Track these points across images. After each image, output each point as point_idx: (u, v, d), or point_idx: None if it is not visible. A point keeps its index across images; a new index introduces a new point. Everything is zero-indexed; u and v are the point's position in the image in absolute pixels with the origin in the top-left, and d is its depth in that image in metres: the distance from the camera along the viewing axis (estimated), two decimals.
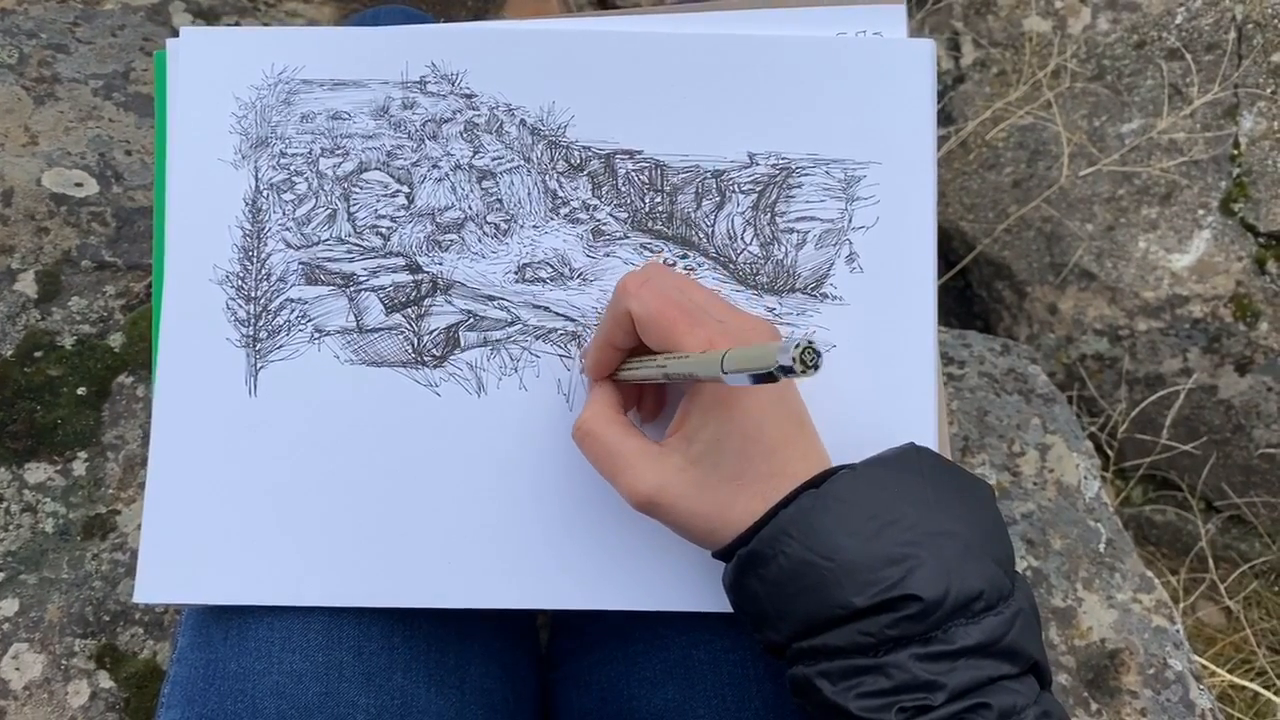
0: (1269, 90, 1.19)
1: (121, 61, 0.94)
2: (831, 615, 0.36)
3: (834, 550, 0.36)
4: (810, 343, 0.31)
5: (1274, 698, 1.09)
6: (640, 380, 0.43)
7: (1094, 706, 0.78)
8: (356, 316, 0.48)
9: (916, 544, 0.36)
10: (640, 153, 0.49)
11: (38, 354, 0.75)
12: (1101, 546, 0.86)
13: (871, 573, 0.36)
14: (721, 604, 0.48)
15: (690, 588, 0.48)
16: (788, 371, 0.31)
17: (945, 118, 1.35)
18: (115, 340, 0.78)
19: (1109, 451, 1.24)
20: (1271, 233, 1.16)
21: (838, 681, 0.36)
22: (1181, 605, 1.17)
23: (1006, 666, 0.36)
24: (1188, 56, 1.22)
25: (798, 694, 0.39)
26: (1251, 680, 1.12)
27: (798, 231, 0.49)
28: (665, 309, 0.40)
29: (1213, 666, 1.10)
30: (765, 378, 0.33)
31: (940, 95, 1.35)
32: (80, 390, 0.75)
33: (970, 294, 1.38)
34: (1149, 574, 0.85)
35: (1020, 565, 0.84)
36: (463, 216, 0.49)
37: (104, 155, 0.85)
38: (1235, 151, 1.19)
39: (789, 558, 0.37)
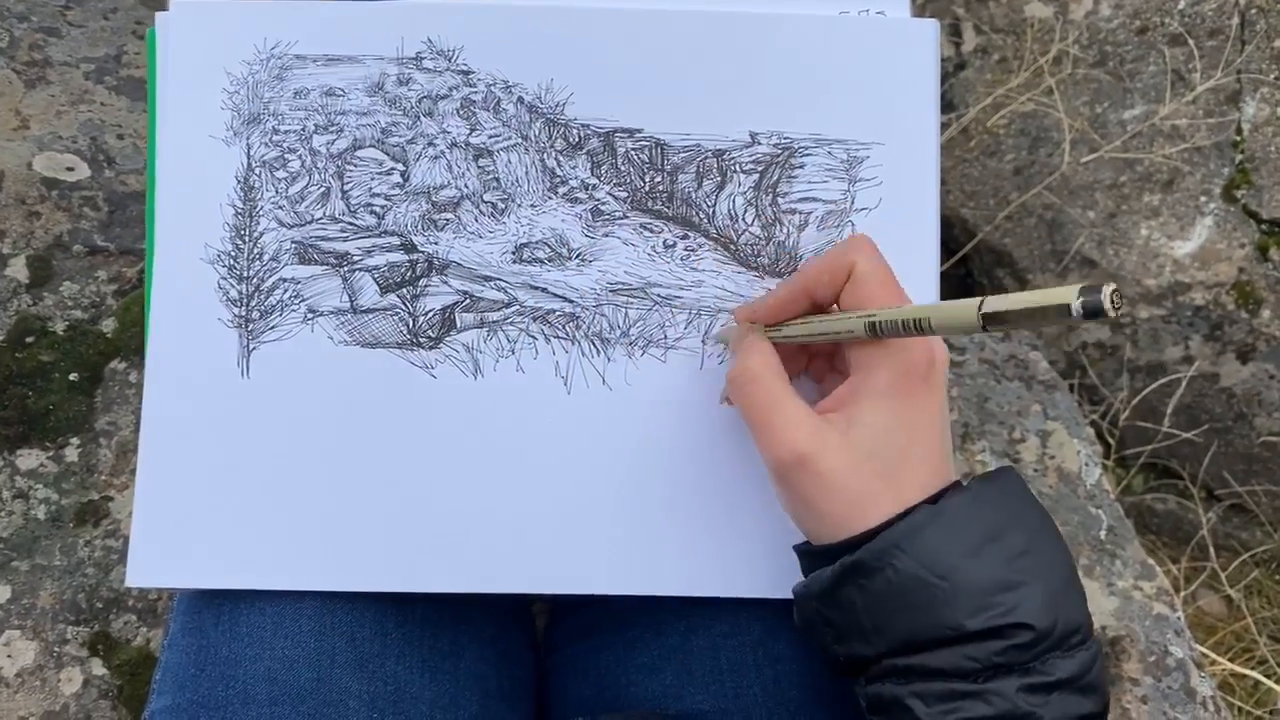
0: (1272, 76, 1.18)
1: (113, 45, 0.93)
2: (939, 635, 0.35)
3: (948, 570, 0.35)
4: (1116, 287, 0.29)
5: (1275, 686, 1.08)
6: (809, 339, 0.42)
7: None
8: (350, 297, 0.47)
9: (1028, 571, 0.36)
10: (640, 131, 0.48)
11: (29, 339, 0.74)
12: (1102, 534, 0.85)
13: (986, 596, 0.35)
14: (718, 588, 0.47)
15: (689, 572, 0.47)
16: (1090, 314, 0.29)
17: (946, 105, 1.34)
18: (108, 326, 0.77)
19: (1110, 439, 1.23)
20: (1274, 219, 1.15)
21: (933, 704, 0.35)
22: (1182, 593, 1.17)
23: (1090, 704, 0.36)
24: (1190, 42, 1.21)
25: (876, 711, 0.38)
26: (1252, 669, 1.11)
27: (800, 213, 0.48)
28: (890, 279, 0.40)
29: (1213, 655, 1.09)
30: (1060, 312, 0.29)
31: (941, 82, 1.34)
32: (72, 376, 0.74)
33: (971, 282, 1.37)
34: (1150, 562, 0.85)
35: None
36: (459, 195, 0.48)
37: (96, 139, 0.84)
38: (1238, 138, 1.18)
39: (899, 571, 0.36)
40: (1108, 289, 0.29)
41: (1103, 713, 0.37)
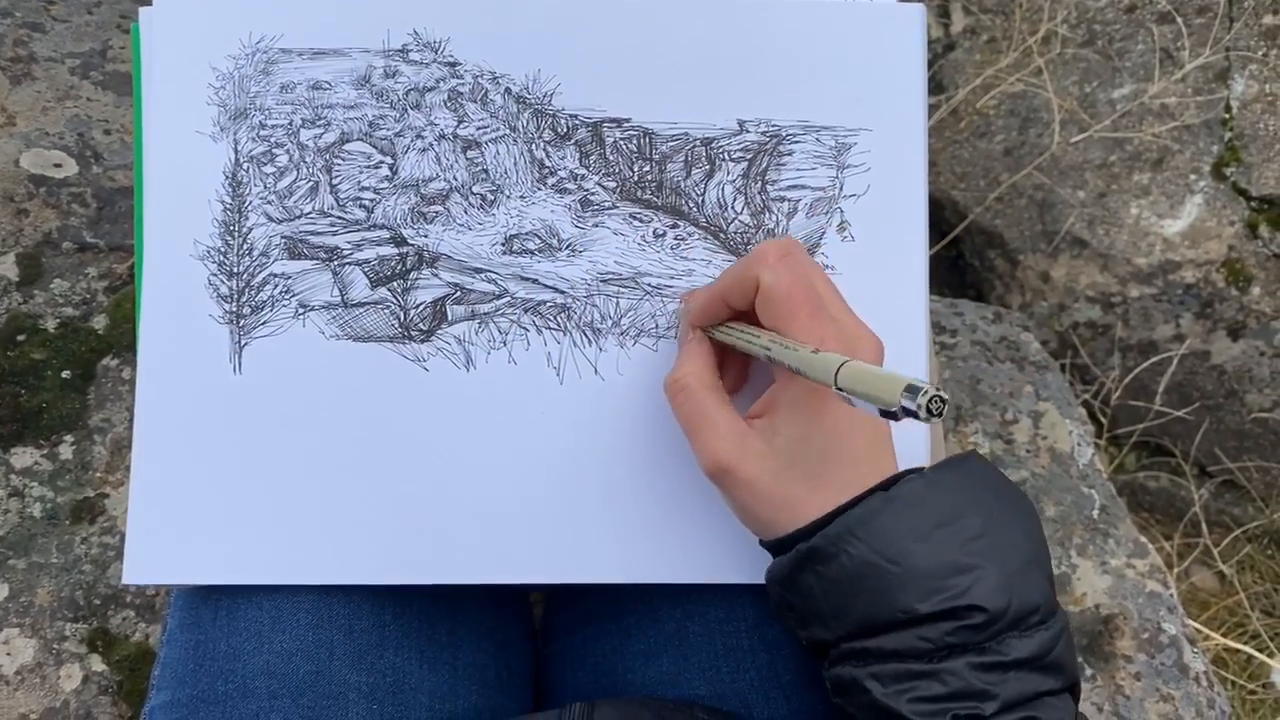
0: (1260, 53, 1.18)
1: (98, 40, 0.92)
2: (892, 619, 0.36)
3: (900, 555, 0.36)
4: (939, 391, 0.30)
5: (1267, 660, 1.09)
6: (735, 347, 0.43)
7: (1089, 672, 0.79)
8: (341, 291, 0.47)
9: (981, 554, 0.36)
10: (628, 120, 0.48)
11: (20, 337, 0.74)
12: (1095, 513, 0.86)
13: (937, 580, 0.36)
14: (712, 574, 0.48)
15: (683, 560, 0.47)
16: (909, 414, 0.30)
17: (936, 86, 1.34)
18: (99, 322, 0.77)
19: (1102, 419, 1.24)
20: (1263, 196, 1.16)
21: (889, 684, 0.36)
22: (1175, 570, 1.18)
23: (1051, 681, 0.36)
24: (1179, 20, 1.20)
25: (839, 693, 0.39)
26: (1245, 643, 1.12)
27: (789, 200, 0.48)
28: (795, 290, 0.40)
29: (1206, 630, 1.10)
30: (882, 411, 0.31)
31: (930, 63, 1.34)
32: (65, 373, 0.74)
33: (963, 264, 1.37)
34: (1143, 540, 0.85)
35: None
36: (448, 187, 0.48)
37: (83, 135, 0.84)
38: (1227, 115, 1.19)
39: (852, 557, 0.37)
40: (924, 397, 0.30)
41: (1068, 689, 0.38)
